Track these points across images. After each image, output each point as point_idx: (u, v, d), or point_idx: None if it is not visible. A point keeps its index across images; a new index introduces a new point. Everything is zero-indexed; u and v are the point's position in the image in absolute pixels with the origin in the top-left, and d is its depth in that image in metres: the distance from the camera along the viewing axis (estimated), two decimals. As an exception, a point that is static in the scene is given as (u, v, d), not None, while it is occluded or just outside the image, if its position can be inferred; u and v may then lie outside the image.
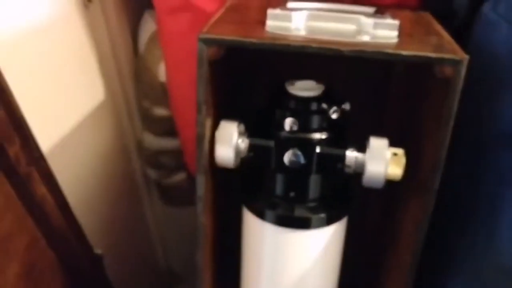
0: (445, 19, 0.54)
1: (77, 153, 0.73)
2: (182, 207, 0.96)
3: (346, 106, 0.50)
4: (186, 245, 0.72)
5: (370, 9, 0.52)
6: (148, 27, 0.77)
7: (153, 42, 0.77)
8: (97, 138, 0.78)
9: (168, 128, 0.82)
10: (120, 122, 0.83)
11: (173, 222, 1.00)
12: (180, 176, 0.92)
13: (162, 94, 0.78)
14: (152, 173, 0.92)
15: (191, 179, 0.86)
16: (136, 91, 0.82)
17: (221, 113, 0.51)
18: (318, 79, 0.51)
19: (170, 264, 1.11)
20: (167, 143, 0.86)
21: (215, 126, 0.50)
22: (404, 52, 0.42)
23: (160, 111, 0.82)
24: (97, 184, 0.78)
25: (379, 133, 0.48)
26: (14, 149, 0.51)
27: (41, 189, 0.57)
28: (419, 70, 0.51)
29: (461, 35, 0.52)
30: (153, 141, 0.86)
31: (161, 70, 0.77)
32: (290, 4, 0.51)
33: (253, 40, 0.43)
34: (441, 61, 0.42)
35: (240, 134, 0.49)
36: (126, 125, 0.85)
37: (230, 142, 0.49)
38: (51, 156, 0.64)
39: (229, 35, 0.44)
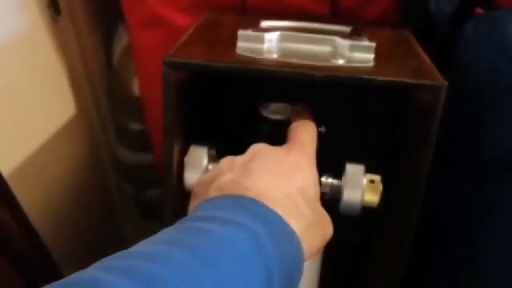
0: (426, 37, 0.52)
1: (47, 171, 0.70)
2: (160, 222, 0.93)
3: (322, 129, 0.48)
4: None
5: (346, 28, 0.49)
6: (121, 40, 0.75)
7: (127, 55, 0.74)
8: (69, 155, 0.75)
9: (144, 142, 0.80)
10: (93, 138, 0.80)
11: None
12: (157, 190, 0.89)
13: (137, 108, 0.76)
14: (129, 188, 0.89)
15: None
16: (110, 105, 0.80)
17: (190, 137, 0.48)
18: (293, 102, 0.48)
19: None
20: (143, 158, 0.83)
21: (184, 151, 0.47)
22: (380, 78, 0.40)
23: (135, 126, 0.79)
24: (70, 203, 0.76)
25: (356, 158, 0.46)
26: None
27: (2, 214, 0.54)
28: (398, 93, 0.49)
29: (442, 54, 0.50)
30: (128, 156, 0.84)
31: (136, 84, 0.75)
32: (264, 23, 0.49)
33: (221, 64, 0.41)
34: (419, 87, 0.40)
35: (211, 159, 0.47)
36: (100, 140, 0.82)
37: (200, 167, 0.46)
38: (18, 175, 0.61)
39: (197, 58, 0.42)
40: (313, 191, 0.38)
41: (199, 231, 0.29)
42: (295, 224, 0.33)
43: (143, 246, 0.27)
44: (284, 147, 0.40)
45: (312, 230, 0.35)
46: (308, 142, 0.41)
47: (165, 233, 0.29)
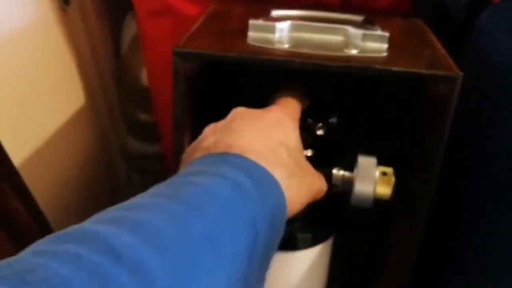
0: (439, 26, 0.51)
1: (56, 162, 0.70)
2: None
3: (333, 120, 0.47)
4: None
5: (359, 17, 0.48)
6: (130, 29, 0.74)
7: (135, 44, 0.73)
8: (78, 145, 0.75)
9: (153, 133, 0.80)
10: (102, 128, 0.80)
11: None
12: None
13: (145, 98, 0.75)
14: (137, 178, 0.89)
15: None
16: (119, 95, 0.79)
17: (200, 127, 0.48)
18: (304, 91, 0.48)
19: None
20: (152, 148, 0.83)
21: (193, 141, 0.47)
22: (394, 68, 0.39)
23: (143, 116, 0.79)
24: (79, 192, 0.76)
25: (369, 149, 0.45)
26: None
27: (15, 204, 0.54)
28: (412, 84, 0.48)
29: (456, 44, 0.49)
30: (137, 146, 0.84)
31: (144, 74, 0.74)
32: (274, 12, 0.48)
33: (232, 54, 0.40)
34: (434, 78, 0.39)
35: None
36: (109, 130, 0.82)
37: (210, 159, 0.46)
38: (29, 165, 0.61)
39: (207, 48, 0.41)
40: (295, 144, 0.39)
41: (184, 184, 0.30)
42: (278, 172, 0.35)
43: (131, 200, 0.29)
44: (265, 108, 0.41)
45: (296, 178, 0.36)
46: (291, 103, 0.42)
47: (151, 189, 0.31)
